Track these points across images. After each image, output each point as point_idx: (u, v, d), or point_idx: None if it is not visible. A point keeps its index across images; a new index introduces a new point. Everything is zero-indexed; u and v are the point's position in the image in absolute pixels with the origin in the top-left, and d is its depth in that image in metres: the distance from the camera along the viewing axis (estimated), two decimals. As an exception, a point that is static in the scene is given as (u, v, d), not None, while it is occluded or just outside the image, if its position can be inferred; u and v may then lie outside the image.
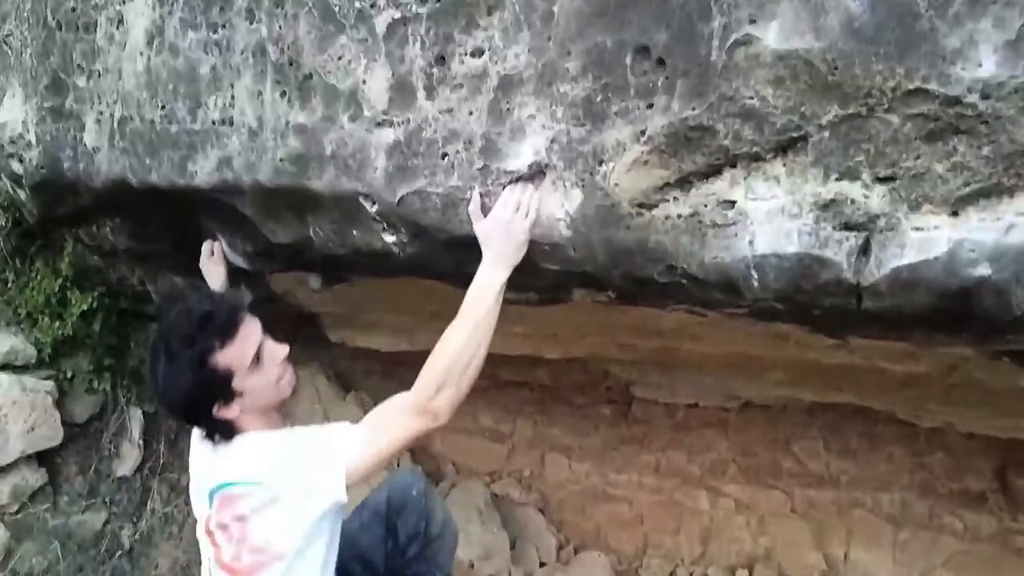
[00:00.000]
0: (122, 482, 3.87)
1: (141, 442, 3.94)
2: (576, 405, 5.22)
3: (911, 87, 1.45)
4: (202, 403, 2.00)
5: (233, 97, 2.37)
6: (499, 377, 5.08)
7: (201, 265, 2.89)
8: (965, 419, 3.85)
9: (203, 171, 2.46)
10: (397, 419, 1.99)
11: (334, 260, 2.56)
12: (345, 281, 3.10)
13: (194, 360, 1.95)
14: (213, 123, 2.42)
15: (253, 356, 2.02)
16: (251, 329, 2.05)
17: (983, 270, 1.53)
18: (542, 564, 4.73)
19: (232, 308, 2.06)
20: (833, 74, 1.50)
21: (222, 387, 1.99)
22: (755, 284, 1.76)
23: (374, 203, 2.19)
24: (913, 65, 1.43)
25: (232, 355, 1.98)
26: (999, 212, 1.51)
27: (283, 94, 2.27)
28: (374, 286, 3.08)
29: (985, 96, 1.40)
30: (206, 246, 2.90)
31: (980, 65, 1.38)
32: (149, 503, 3.88)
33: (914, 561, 4.42)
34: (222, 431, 2.07)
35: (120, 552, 3.73)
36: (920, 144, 1.51)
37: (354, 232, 2.35)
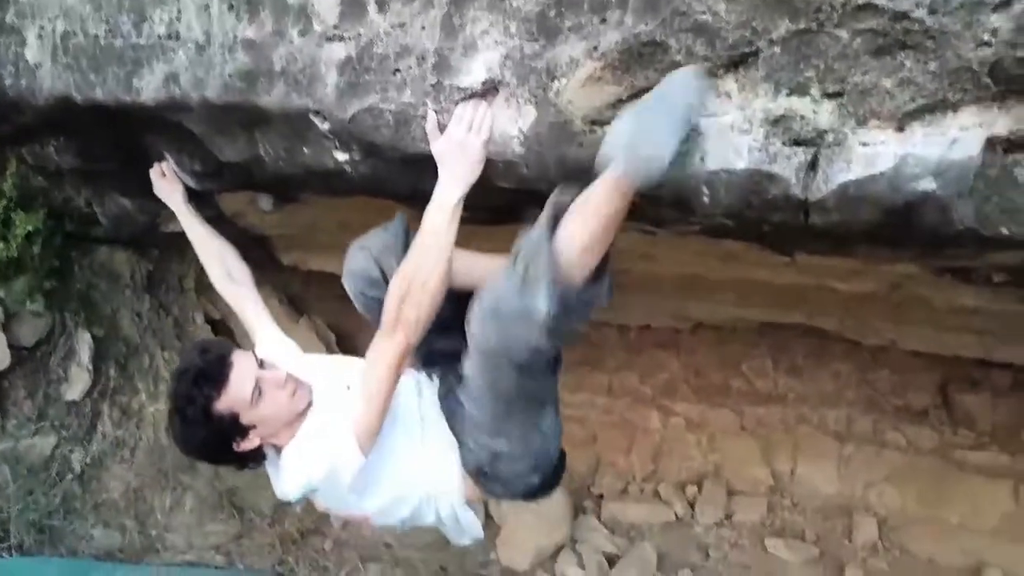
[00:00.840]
0: (71, 406, 3.83)
1: (91, 366, 3.89)
2: (530, 328, 5.27)
3: (860, 2, 1.46)
4: (222, 448, 2.05)
5: (179, 11, 2.30)
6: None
7: (156, 190, 2.84)
8: (909, 337, 3.96)
9: (149, 87, 2.40)
10: (375, 356, 2.02)
11: (285, 179, 2.52)
12: (297, 201, 3.08)
13: (199, 416, 1.99)
14: (159, 38, 2.35)
15: (252, 391, 2.03)
16: (243, 368, 2.04)
17: (927, 185, 1.56)
18: (497, 484, 4.82)
19: (219, 357, 2.05)
20: (785, -12, 1.50)
21: (233, 428, 2.02)
22: (706, 200, 1.78)
23: (325, 120, 2.16)
24: (863, -21, 1.44)
25: (231, 399, 2.00)
26: (944, 127, 1.54)
27: (231, 7, 2.21)
28: (327, 207, 3.06)
29: (932, 11, 1.42)
30: (154, 170, 2.85)
31: (928, -21, 1.40)
32: (99, 427, 3.86)
33: (858, 475, 4.58)
34: (254, 459, 2.13)
35: (71, 475, 3.71)
36: (868, 59, 1.52)
37: (305, 150, 2.32)
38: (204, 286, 4.29)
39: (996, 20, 1.39)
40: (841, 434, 4.68)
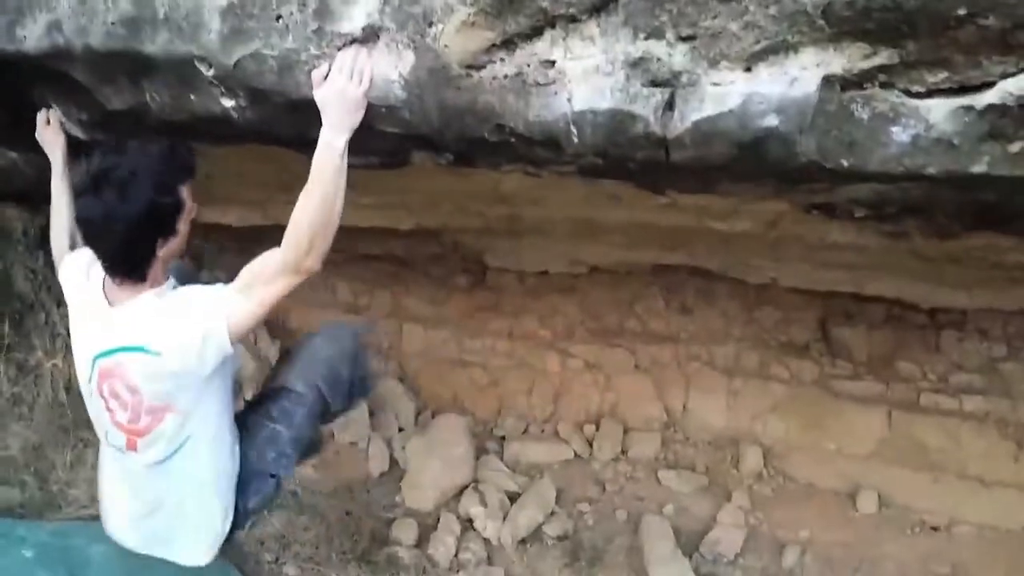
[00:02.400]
0: (-35, 363, 3.81)
1: (-13, 321, 3.88)
2: (431, 276, 5.37)
3: None
4: (154, 231, 2.10)
5: (60, -42, 2.32)
6: (356, 250, 5.16)
7: (38, 136, 2.81)
8: (788, 274, 4.16)
9: (32, 36, 2.40)
10: (272, 278, 2.09)
11: (173, 127, 2.54)
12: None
13: (169, 186, 2.09)
14: (42, -15, 2.36)
15: (191, 207, 2.17)
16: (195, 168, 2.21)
17: (771, 120, 1.69)
18: (401, 429, 4.93)
19: (190, 149, 2.20)
20: (638, -64, 1.61)
21: (173, 220, 2.12)
22: (575, 140, 1.89)
23: (210, 66, 2.20)
24: (705, -73, 1.55)
25: (188, 193, 2.13)
26: (786, 67, 1.66)
27: (112, -47, 2.23)
28: (222, 158, 3.07)
29: None
30: (40, 115, 2.82)
31: (764, -74, 1.52)
32: (-5, 384, 3.85)
33: (746, 407, 4.82)
34: (141, 269, 2.15)
35: (-34, 432, 3.71)
36: (716, 4, 1.63)
37: (191, 97, 2.36)
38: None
39: None
40: (729, 369, 4.91)
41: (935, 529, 4.21)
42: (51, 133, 2.80)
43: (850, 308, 4.73)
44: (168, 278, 2.22)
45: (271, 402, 2.51)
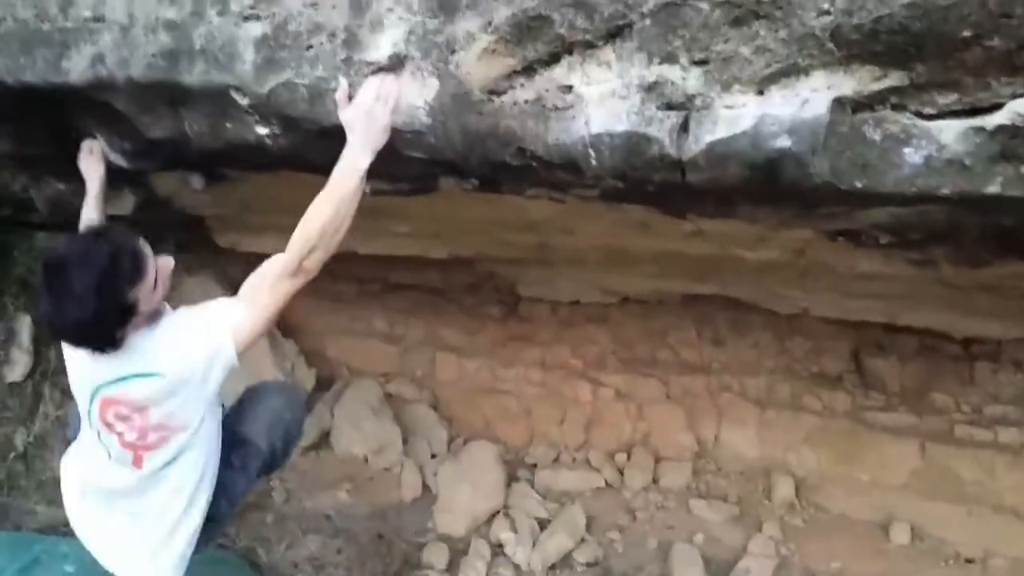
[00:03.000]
0: (13, 388, 3.92)
1: (31, 348, 3.98)
2: (465, 306, 5.44)
3: None
4: (110, 330, 2.12)
5: (104, -6, 2.42)
6: (390, 280, 5.25)
7: (79, 163, 2.92)
8: (819, 304, 4.16)
9: (77, 68, 2.51)
10: (273, 284, 2.18)
11: (210, 155, 2.64)
12: (226, 180, 3.18)
13: (107, 294, 2.05)
14: (85, 20, 2.46)
15: (155, 280, 2.17)
16: (150, 257, 2.18)
17: (784, 142, 1.73)
18: (433, 456, 4.97)
19: (136, 246, 2.15)
20: (650, -35, 1.66)
21: (130, 314, 2.12)
22: (593, 162, 1.94)
23: (244, 95, 2.28)
24: (717, -44, 1.60)
25: (142, 290, 2.12)
26: (797, 89, 1.71)
27: (152, -10, 2.33)
28: (258, 185, 3.17)
29: None
30: (85, 144, 2.93)
31: (774, -45, 1.57)
32: (41, 407, 3.95)
33: (778, 438, 4.80)
34: (113, 341, 2.16)
35: (14, 454, 3.81)
36: (728, 29, 1.69)
37: (227, 125, 2.44)
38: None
39: None
40: (761, 400, 4.91)
41: (969, 561, 4.16)
42: (92, 162, 2.91)
43: (882, 339, 4.72)
44: (161, 308, 2.28)
45: (233, 449, 2.54)
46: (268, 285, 2.18)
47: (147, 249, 2.17)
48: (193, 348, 2.17)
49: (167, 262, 2.24)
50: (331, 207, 2.11)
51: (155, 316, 2.24)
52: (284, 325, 5.11)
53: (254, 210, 3.67)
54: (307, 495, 4.53)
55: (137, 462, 2.29)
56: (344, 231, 2.14)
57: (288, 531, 4.21)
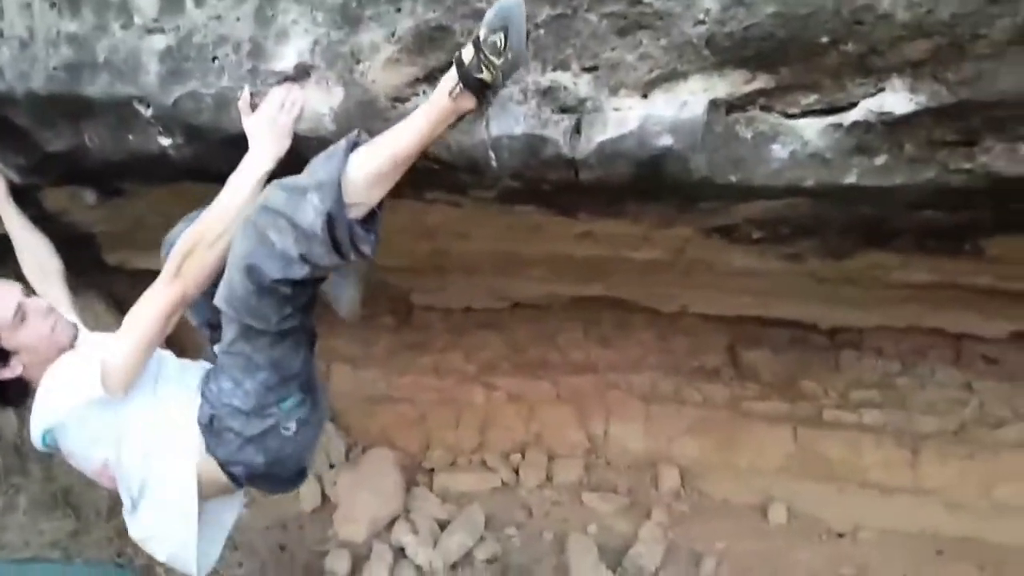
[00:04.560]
0: None
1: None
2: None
3: None
4: None
5: (2, 10, 2.42)
6: (281, 293, 5.24)
7: None
8: (698, 301, 4.40)
9: (-28, 84, 2.52)
10: (147, 299, 2.01)
11: (111, 167, 2.64)
12: (121, 195, 3.17)
13: None
14: (-19, 36, 2.47)
15: (14, 314, 2.07)
16: (5, 292, 2.11)
17: (666, 140, 1.89)
18: (332, 466, 5.01)
19: None
20: (543, -21, 1.81)
21: None
22: (494, 163, 2.05)
23: (149, 106, 2.32)
24: (603, -29, 1.76)
25: (11, 307, 2.06)
26: (677, 93, 1.87)
27: (53, 5, 2.34)
28: (151, 200, 3.16)
29: None
30: None
31: (654, -29, 1.73)
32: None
33: (662, 431, 5.04)
34: (16, 392, 2.14)
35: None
36: (615, 38, 1.83)
37: (130, 137, 2.46)
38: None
39: (707, 2, 1.70)
40: (646, 396, 5.14)
41: (841, 535, 4.49)
42: None
43: (756, 333, 5.00)
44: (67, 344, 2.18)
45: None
46: (143, 303, 2.02)
47: (1, 284, 2.13)
48: (68, 387, 2.06)
49: (38, 301, 2.17)
50: (217, 211, 2.02)
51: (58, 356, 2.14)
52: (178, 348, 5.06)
53: (147, 226, 3.65)
54: (204, 510, 4.50)
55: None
56: (227, 240, 1.98)
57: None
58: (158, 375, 2.21)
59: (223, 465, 2.15)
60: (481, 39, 1.74)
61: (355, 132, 1.96)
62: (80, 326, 2.31)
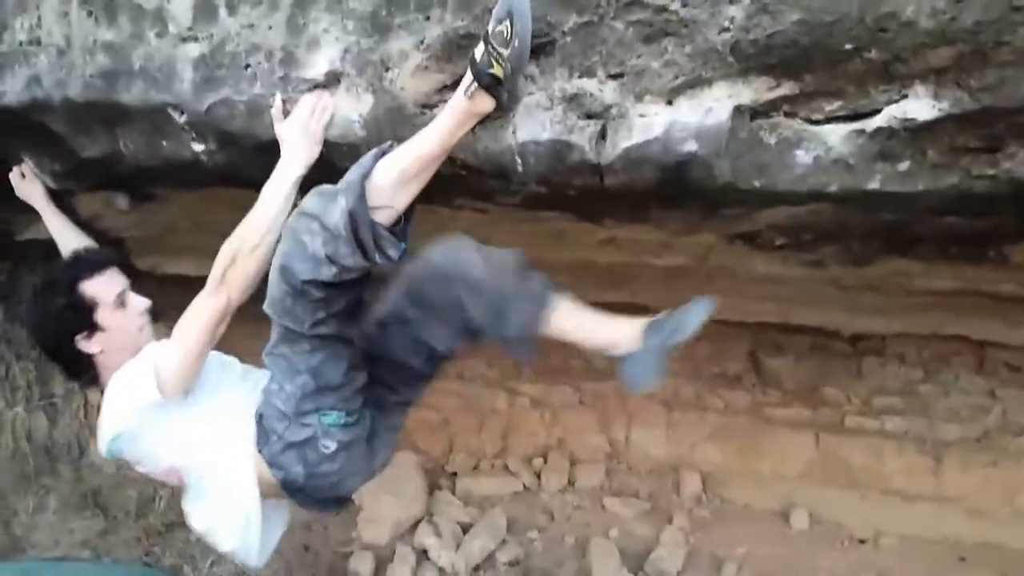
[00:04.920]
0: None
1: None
2: (383, 322, 5.52)
3: None
4: (67, 331, 2.16)
5: (40, 18, 2.48)
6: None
7: (18, 193, 2.97)
8: (721, 307, 4.34)
9: (12, 90, 2.57)
10: (195, 308, 2.08)
11: (144, 173, 2.71)
12: (153, 200, 3.23)
13: (63, 285, 2.14)
14: (20, 44, 2.53)
15: (117, 295, 2.20)
16: (117, 274, 2.25)
17: (691, 146, 1.92)
18: (355, 470, 5.05)
19: (106, 256, 2.27)
20: (571, -13, 1.84)
21: (86, 316, 2.15)
22: (520, 169, 2.09)
23: (183, 113, 2.38)
24: (630, -21, 1.79)
25: (98, 286, 2.17)
26: (701, 99, 1.89)
27: (90, 13, 2.41)
28: (183, 205, 3.22)
29: (684, 4, 1.76)
30: (14, 173, 2.97)
31: (679, -21, 1.76)
32: None
33: (684, 437, 5.05)
34: (85, 369, 2.23)
35: None
36: (640, 46, 1.86)
37: (163, 143, 2.52)
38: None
39: (732, 10, 1.73)
40: (668, 402, 5.14)
41: (862, 542, 4.47)
42: (28, 184, 2.95)
43: (778, 339, 5.00)
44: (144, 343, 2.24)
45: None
46: (191, 312, 2.08)
47: (112, 262, 2.25)
48: (119, 405, 2.14)
49: (142, 299, 2.27)
50: (255, 219, 2.09)
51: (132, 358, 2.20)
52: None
53: (178, 231, 3.71)
54: (230, 512, 4.55)
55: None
56: (269, 248, 2.05)
57: (212, 548, 4.23)
58: (220, 378, 2.30)
59: (269, 465, 2.20)
60: (490, 32, 1.80)
61: (388, 143, 2.01)
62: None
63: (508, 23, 1.77)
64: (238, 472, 2.21)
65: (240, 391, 2.31)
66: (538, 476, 5.11)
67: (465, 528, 4.53)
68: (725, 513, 4.77)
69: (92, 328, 2.17)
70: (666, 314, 2.11)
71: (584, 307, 2.20)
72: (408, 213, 2.02)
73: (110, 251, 2.47)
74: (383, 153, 1.96)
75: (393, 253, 1.95)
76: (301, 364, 2.08)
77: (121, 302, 2.21)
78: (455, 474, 5.15)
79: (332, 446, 2.15)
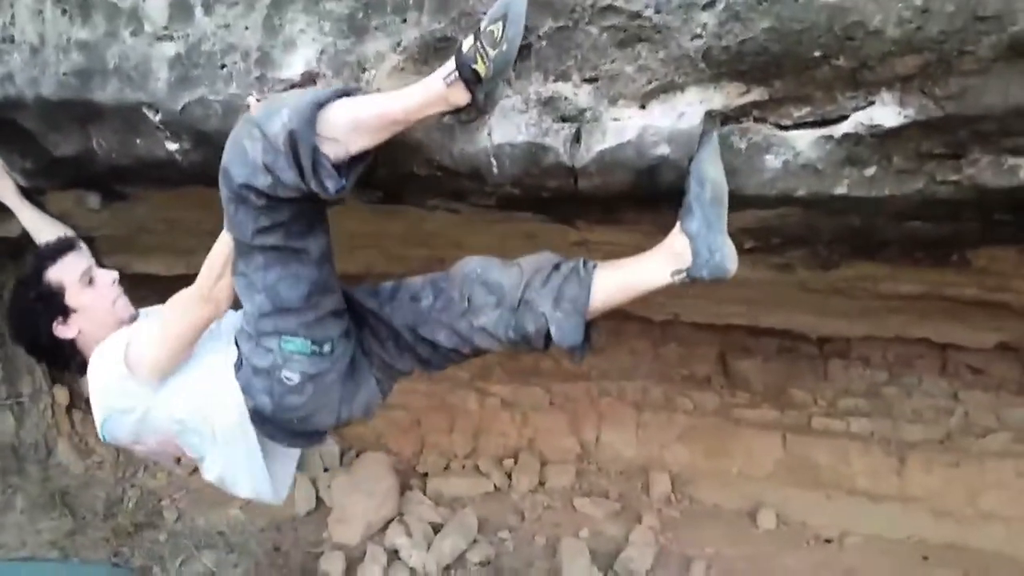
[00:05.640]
0: None
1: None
2: (353, 322, 5.52)
3: (604, 4, 1.81)
4: (42, 321, 2.18)
5: (13, 16, 2.46)
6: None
7: None
8: (689, 310, 4.45)
9: (-17, 89, 2.56)
10: (181, 309, 2.07)
11: (117, 171, 2.69)
12: (125, 199, 3.21)
13: (31, 279, 2.17)
14: (-8, 42, 2.52)
15: (83, 274, 2.21)
16: (80, 255, 2.27)
17: (663, 150, 1.94)
18: (326, 470, 5.06)
19: (66, 240, 2.29)
20: (546, -7, 1.86)
21: (57, 301, 2.17)
22: (495, 171, 2.10)
23: (157, 112, 2.36)
24: (604, -15, 1.81)
25: (62, 270, 2.19)
26: (674, 104, 1.92)
27: (64, 12, 2.39)
28: (156, 204, 3.20)
29: (657, 10, 1.78)
30: None
31: (652, -15, 1.78)
32: None
33: (653, 438, 5.10)
34: (68, 353, 2.23)
35: None
36: (614, 50, 1.88)
37: (137, 141, 2.50)
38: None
39: (705, 17, 1.75)
40: (638, 403, 5.21)
41: (828, 541, 4.56)
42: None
43: (747, 342, 5.07)
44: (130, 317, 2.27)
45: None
46: (176, 312, 2.09)
47: (72, 245, 2.28)
48: (97, 378, 2.16)
49: (108, 272, 2.29)
50: None
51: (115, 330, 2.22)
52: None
53: (149, 230, 3.70)
54: (200, 513, 4.55)
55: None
56: None
57: (182, 548, 4.24)
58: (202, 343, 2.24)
59: (243, 393, 2.16)
60: (482, 29, 1.80)
61: (355, 86, 2.01)
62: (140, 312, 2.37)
63: (502, 25, 1.78)
64: (229, 411, 2.18)
65: (220, 339, 2.26)
66: (509, 476, 5.15)
67: (436, 528, 4.55)
68: (694, 513, 4.84)
69: (65, 312, 2.18)
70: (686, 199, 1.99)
71: (613, 265, 2.11)
72: (358, 159, 1.95)
73: (73, 237, 2.46)
74: (346, 92, 1.92)
75: (330, 184, 1.86)
76: (258, 282, 2.00)
77: (88, 280, 2.22)
78: (426, 474, 5.18)
79: (295, 378, 2.09)
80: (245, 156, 1.83)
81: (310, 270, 2.03)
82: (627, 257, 2.10)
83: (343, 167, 1.90)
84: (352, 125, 1.87)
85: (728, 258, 1.95)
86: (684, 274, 1.96)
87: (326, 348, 2.11)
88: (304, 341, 2.08)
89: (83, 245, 2.34)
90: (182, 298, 2.09)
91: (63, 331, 2.20)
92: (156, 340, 2.09)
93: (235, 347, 2.18)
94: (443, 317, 2.15)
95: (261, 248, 1.95)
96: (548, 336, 2.04)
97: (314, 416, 2.21)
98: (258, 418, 2.20)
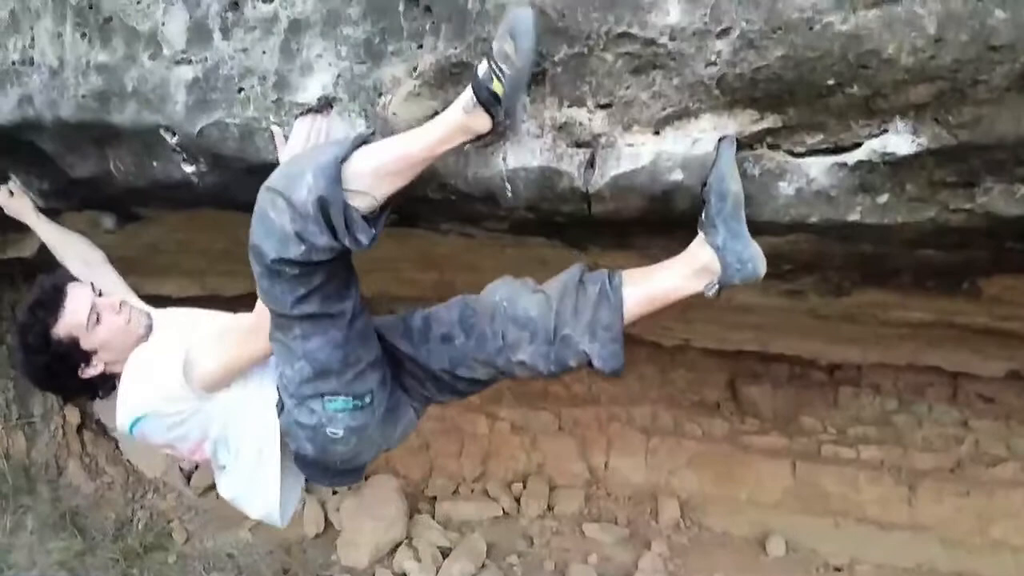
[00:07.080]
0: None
1: None
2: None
3: (619, 31, 1.82)
4: (67, 374, 2.19)
5: (33, 39, 2.50)
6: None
7: (7, 211, 2.98)
8: (700, 335, 4.45)
9: (2, 110, 2.58)
10: (244, 336, 2.12)
11: (134, 193, 2.72)
12: (139, 220, 3.23)
13: (39, 343, 2.15)
14: (13, 63, 2.54)
15: (88, 316, 2.19)
16: (78, 295, 2.23)
17: (677, 175, 1.96)
18: (334, 493, 5.05)
19: (54, 286, 2.23)
20: (561, 20, 1.86)
21: (74, 353, 2.17)
22: (509, 194, 2.12)
23: (174, 135, 2.39)
24: (620, 13, 1.81)
25: (68, 324, 2.17)
26: (688, 130, 1.93)
27: (83, 35, 2.42)
28: (170, 226, 3.22)
29: (672, 38, 1.80)
30: (2, 191, 2.98)
31: (668, 14, 1.78)
32: None
33: (663, 463, 5.09)
34: (102, 387, 2.26)
35: None
36: (629, 77, 1.89)
37: (154, 163, 2.53)
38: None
39: (719, 45, 1.76)
40: (647, 428, 5.20)
41: (838, 569, 4.54)
42: (17, 201, 2.96)
43: (756, 368, 5.07)
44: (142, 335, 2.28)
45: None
46: (236, 339, 2.14)
47: (65, 288, 2.23)
48: (142, 388, 2.17)
49: (108, 300, 2.27)
50: None
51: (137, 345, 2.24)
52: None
53: (162, 251, 3.72)
54: (209, 535, 4.56)
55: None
56: None
57: (191, 570, 4.24)
58: None
59: (284, 435, 2.19)
60: (494, 50, 1.80)
61: (368, 131, 2.02)
62: (151, 310, 2.42)
63: (511, 40, 1.77)
64: (264, 439, 2.23)
65: (269, 367, 2.24)
66: (517, 501, 5.14)
67: (444, 552, 4.54)
68: (703, 539, 4.82)
69: (86, 358, 2.20)
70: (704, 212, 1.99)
71: (638, 279, 2.11)
72: (384, 204, 1.94)
73: (61, 272, 2.47)
74: (363, 140, 1.92)
75: (363, 238, 1.85)
76: (297, 349, 2.00)
77: (96, 319, 2.21)
78: (435, 498, 5.17)
79: (339, 432, 2.09)
80: (274, 229, 1.80)
81: (347, 331, 2.01)
82: (648, 267, 2.13)
83: (371, 215, 1.89)
84: (376, 173, 1.87)
85: (758, 262, 1.99)
86: (716, 286, 2.01)
87: (367, 399, 2.11)
88: (346, 399, 2.08)
89: (72, 279, 2.33)
90: (246, 325, 2.11)
91: (90, 372, 2.22)
92: (214, 356, 2.12)
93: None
94: (480, 355, 2.14)
95: (299, 318, 1.93)
96: (590, 362, 2.04)
97: (357, 458, 2.25)
98: (301, 461, 2.23)
